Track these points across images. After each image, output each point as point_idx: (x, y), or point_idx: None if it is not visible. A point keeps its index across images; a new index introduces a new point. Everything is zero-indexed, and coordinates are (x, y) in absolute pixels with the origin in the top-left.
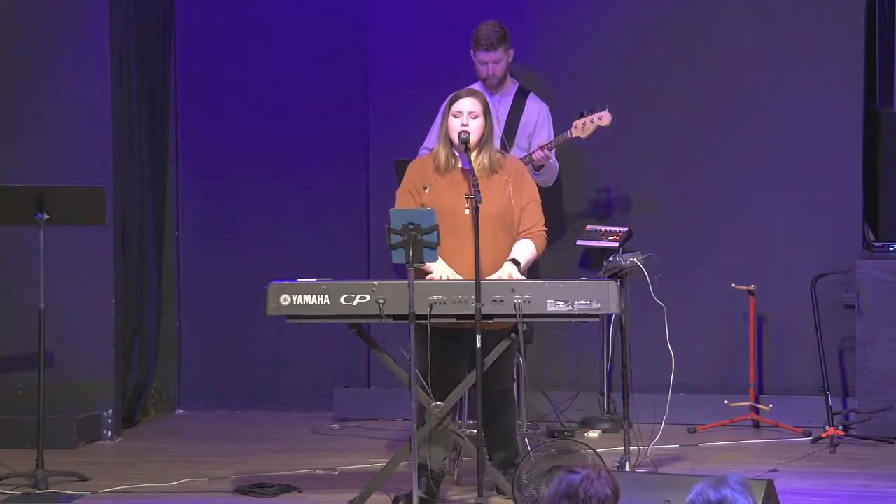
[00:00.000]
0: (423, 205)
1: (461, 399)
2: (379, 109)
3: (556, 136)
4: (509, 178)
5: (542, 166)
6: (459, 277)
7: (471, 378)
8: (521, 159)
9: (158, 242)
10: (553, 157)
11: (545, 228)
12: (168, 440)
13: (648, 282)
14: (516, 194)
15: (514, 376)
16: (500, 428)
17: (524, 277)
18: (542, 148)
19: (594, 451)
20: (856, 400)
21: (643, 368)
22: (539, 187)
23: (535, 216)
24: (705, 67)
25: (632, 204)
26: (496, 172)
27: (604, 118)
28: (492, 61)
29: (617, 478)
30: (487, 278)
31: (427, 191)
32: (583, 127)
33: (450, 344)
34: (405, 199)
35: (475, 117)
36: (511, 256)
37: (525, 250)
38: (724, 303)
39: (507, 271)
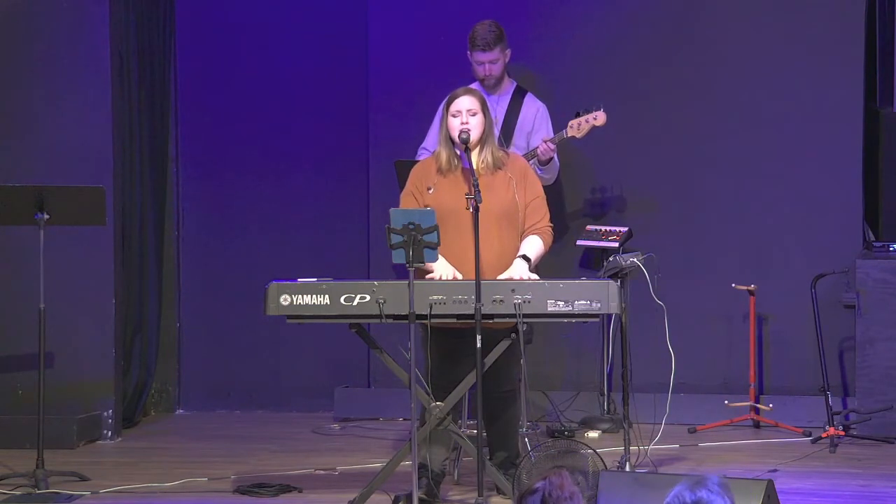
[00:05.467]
0: (426, 206)
1: (465, 398)
2: (379, 109)
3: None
4: (513, 175)
5: (550, 160)
6: (460, 276)
7: (471, 378)
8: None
9: (158, 242)
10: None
11: (551, 224)
12: (168, 440)
13: (648, 282)
14: (520, 191)
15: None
16: (501, 428)
17: (535, 274)
18: (546, 142)
19: (594, 451)
20: (856, 400)
21: (643, 368)
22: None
23: (539, 212)
24: (705, 67)
25: (631, 204)
26: (500, 169)
27: (598, 118)
28: (488, 61)
29: (617, 478)
30: (499, 277)
31: (431, 192)
32: (578, 127)
33: (454, 344)
34: (408, 202)
35: (474, 114)
36: (521, 253)
37: (533, 246)
38: (724, 303)
39: (518, 269)
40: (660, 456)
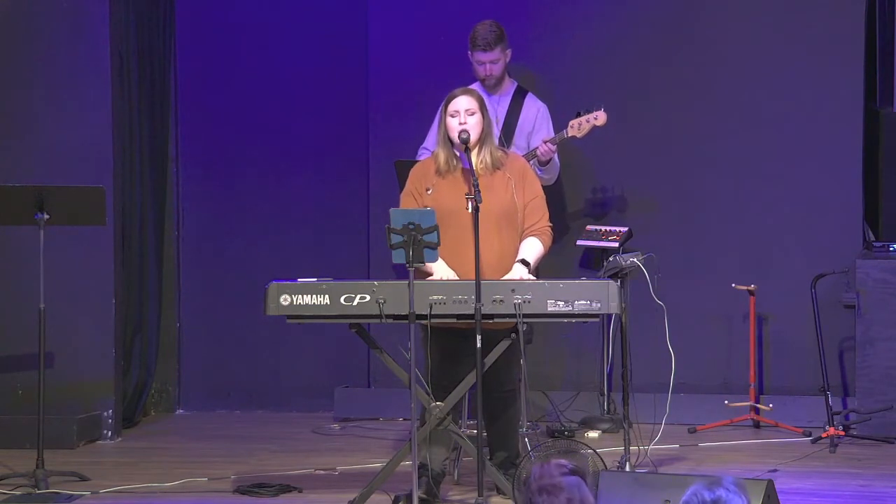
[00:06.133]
0: (425, 206)
1: (465, 398)
2: (379, 109)
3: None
4: (512, 175)
5: (549, 161)
6: (458, 279)
7: (471, 378)
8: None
9: (158, 242)
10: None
11: (550, 225)
12: (168, 440)
13: (648, 282)
14: (519, 191)
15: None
16: (501, 428)
17: (534, 277)
18: (546, 142)
19: (594, 451)
20: (856, 400)
21: (643, 368)
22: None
23: (538, 213)
24: (705, 67)
25: (632, 204)
26: (499, 169)
27: (599, 118)
28: (489, 61)
29: (617, 478)
30: (503, 278)
31: (429, 192)
32: (579, 127)
33: (455, 344)
34: (408, 203)
35: (472, 114)
36: (520, 257)
37: (532, 249)
38: (724, 303)
39: (519, 273)
40: (660, 456)
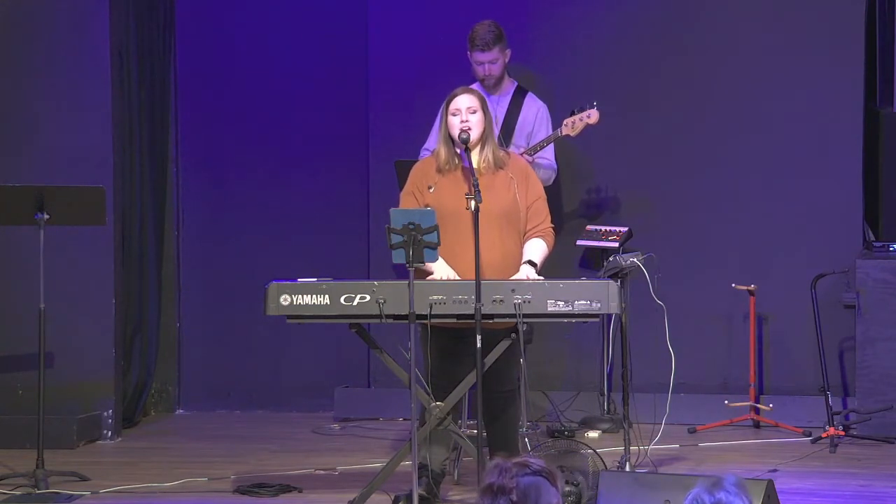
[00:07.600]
0: (426, 205)
1: (465, 398)
2: (379, 109)
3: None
4: (514, 175)
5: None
6: (458, 278)
7: (471, 378)
8: None
9: (158, 242)
10: (547, 159)
11: (552, 225)
12: (168, 440)
13: (648, 282)
14: (522, 192)
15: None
16: (501, 428)
17: (542, 278)
18: (524, 153)
19: (594, 451)
20: (856, 400)
21: (643, 368)
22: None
23: (542, 214)
24: (705, 67)
25: (631, 204)
26: (501, 169)
27: (592, 116)
28: (488, 61)
29: (617, 478)
30: (510, 278)
31: (431, 190)
32: (572, 125)
33: (454, 343)
34: (408, 202)
35: (473, 112)
36: (527, 258)
37: (538, 249)
38: (724, 303)
39: (526, 274)
40: (660, 456)
